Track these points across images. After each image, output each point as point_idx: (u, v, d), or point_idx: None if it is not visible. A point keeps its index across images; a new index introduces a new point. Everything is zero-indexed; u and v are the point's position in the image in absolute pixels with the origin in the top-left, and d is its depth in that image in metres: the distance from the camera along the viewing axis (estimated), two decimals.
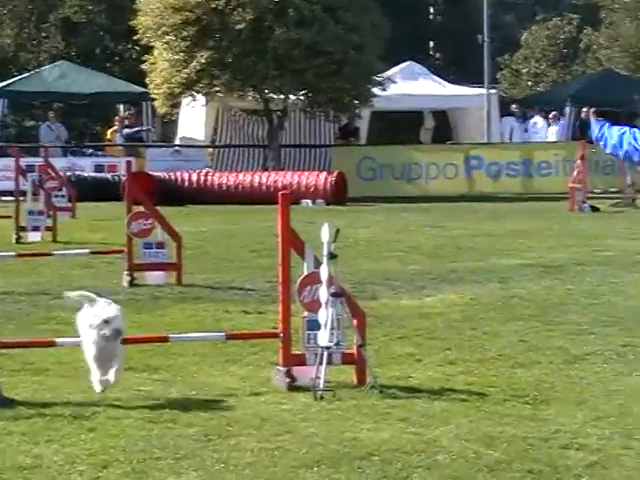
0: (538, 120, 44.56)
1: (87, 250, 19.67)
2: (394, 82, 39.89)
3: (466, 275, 18.72)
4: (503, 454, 8.49)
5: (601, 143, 33.13)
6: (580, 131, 41.55)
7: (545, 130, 44.68)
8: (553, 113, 44.43)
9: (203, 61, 36.86)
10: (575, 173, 31.46)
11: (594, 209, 30.34)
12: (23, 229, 24.52)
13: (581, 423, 9.30)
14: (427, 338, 13.42)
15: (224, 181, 35.63)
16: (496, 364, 11.86)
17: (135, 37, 42.14)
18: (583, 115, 42.26)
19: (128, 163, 20.22)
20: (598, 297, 16.02)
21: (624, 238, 24.03)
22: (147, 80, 40.28)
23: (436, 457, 8.56)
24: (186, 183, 36.17)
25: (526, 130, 46.12)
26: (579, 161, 31.49)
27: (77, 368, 10.97)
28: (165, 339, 12.00)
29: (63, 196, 27.29)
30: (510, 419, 9.58)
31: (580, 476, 8.05)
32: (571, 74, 58.09)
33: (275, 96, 38.09)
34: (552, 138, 44.48)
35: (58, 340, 11.66)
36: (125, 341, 10.38)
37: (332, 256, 10.54)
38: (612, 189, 34.91)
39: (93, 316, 9.36)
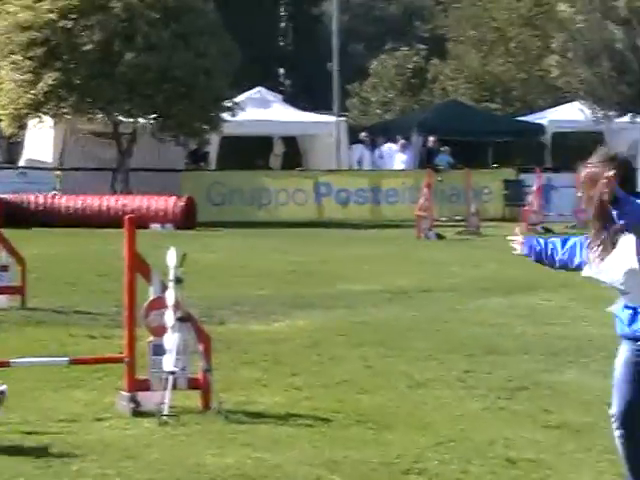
0: (391, 147, 44.69)
1: None
2: (242, 109, 40.64)
3: (314, 301, 18.84)
4: (346, 478, 8.63)
5: None
6: (427, 159, 41.88)
7: (393, 158, 44.86)
8: (401, 141, 44.50)
9: (51, 82, 36.20)
10: (421, 201, 31.81)
11: (440, 237, 31.00)
12: None
13: (423, 448, 9.43)
14: (274, 363, 13.48)
15: (71, 204, 35.20)
16: (341, 389, 11.92)
17: None
18: (430, 144, 42.70)
19: None
20: (442, 323, 16.35)
21: (468, 265, 24.64)
22: None
23: None
24: (32, 205, 35.50)
25: (382, 157, 45.97)
26: (425, 189, 31.83)
27: None
28: (6, 364, 11.60)
29: None
30: (354, 444, 9.63)
31: None
32: (418, 103, 58.86)
33: (124, 119, 37.30)
34: (400, 166, 44.96)
35: None
36: None
37: (178, 281, 10.55)
38: (457, 217, 35.37)
39: None
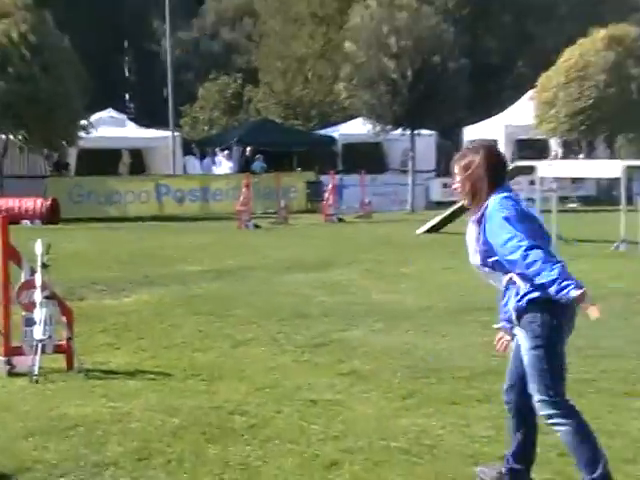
0: (222, 158, 45.27)
1: None
2: (95, 128, 40.05)
3: (156, 279, 18.47)
4: (183, 421, 8.63)
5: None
6: (245, 165, 42.72)
7: (221, 165, 45.58)
8: (226, 152, 44.96)
9: None
10: (241, 198, 31.78)
11: (256, 227, 30.96)
12: None
13: (244, 394, 9.51)
14: (124, 331, 13.25)
15: None
16: (179, 350, 11.88)
17: None
18: (247, 153, 43.98)
19: None
20: (258, 295, 16.24)
21: (278, 248, 24.56)
22: None
23: (130, 425, 8.62)
24: None
25: (215, 164, 48.96)
26: (244, 189, 31.87)
27: None
28: None
29: None
30: (189, 393, 9.66)
31: (242, 435, 8.28)
32: (237, 120, 59.05)
33: None
34: (227, 171, 45.38)
35: None
36: None
37: (45, 266, 10.39)
38: (270, 210, 35.48)
39: None
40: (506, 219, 5.88)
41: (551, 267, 5.64)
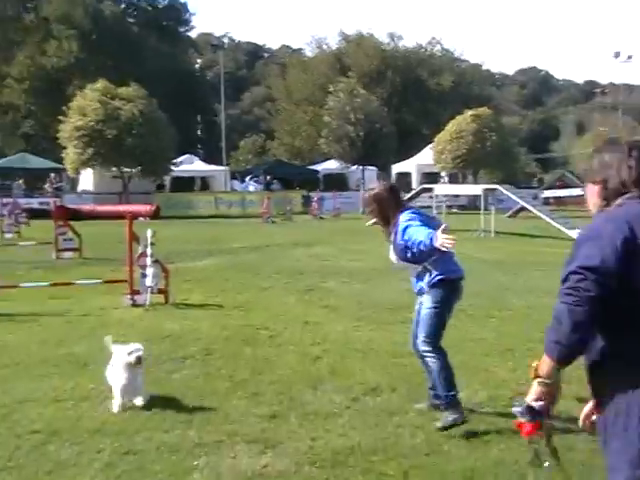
0: (251, 182, 50.71)
1: None
2: (179, 165, 44.37)
3: (215, 252, 19.31)
4: (230, 333, 9.13)
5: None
6: (266, 186, 45.62)
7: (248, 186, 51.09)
8: (254, 179, 50.66)
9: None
10: (264, 205, 32.86)
11: (273, 222, 32.31)
12: None
13: (266, 318, 9.79)
14: (197, 281, 13.71)
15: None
16: (228, 292, 11.95)
17: None
18: (268, 179, 46.70)
19: None
20: (275, 261, 15.47)
21: (286, 235, 24.56)
22: None
23: (200, 335, 9.01)
24: None
25: (248, 185, 51.93)
26: (266, 200, 33.17)
27: None
28: (71, 283, 11.74)
29: None
30: (234, 317, 10.03)
31: (265, 342, 8.68)
32: (262, 160, 65.75)
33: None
34: (253, 189, 49.16)
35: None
36: None
37: (152, 243, 11.03)
38: (281, 212, 35.99)
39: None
40: (409, 226, 5.74)
41: (428, 236, 5.41)
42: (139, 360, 6.13)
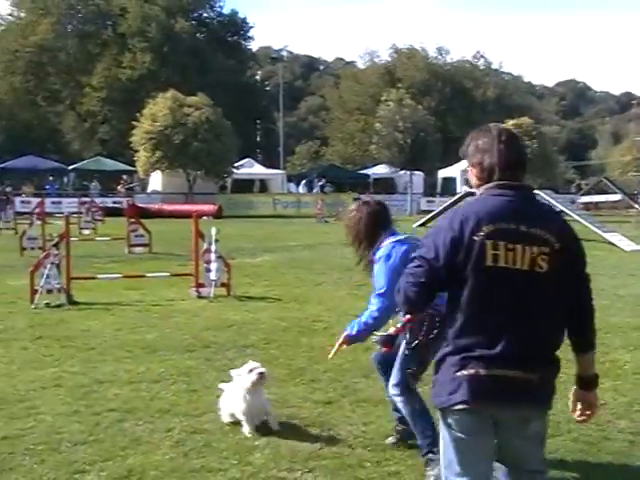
0: (304, 185, 51.06)
1: None
2: (240, 168, 44.80)
3: (273, 249, 19.39)
4: (288, 324, 9.14)
5: None
6: (321, 189, 45.59)
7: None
8: (306, 182, 50.67)
9: None
10: (318, 206, 33.44)
11: (326, 222, 32.58)
12: None
13: (320, 311, 9.80)
14: (256, 276, 13.79)
15: None
16: (285, 286, 11.90)
17: None
18: (322, 182, 45.70)
19: None
20: (327, 258, 15.36)
21: (337, 233, 22.19)
22: None
23: (260, 325, 9.11)
24: None
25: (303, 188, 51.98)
26: (320, 201, 34.31)
27: None
28: (143, 275, 11.97)
29: None
30: (291, 309, 10.04)
31: (320, 332, 8.65)
32: (316, 165, 64.56)
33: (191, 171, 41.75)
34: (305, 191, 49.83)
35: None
36: None
37: (216, 240, 11.12)
38: (333, 213, 35.52)
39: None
40: (384, 265, 4.47)
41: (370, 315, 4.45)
42: (262, 377, 5.28)
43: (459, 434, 2.94)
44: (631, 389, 6.38)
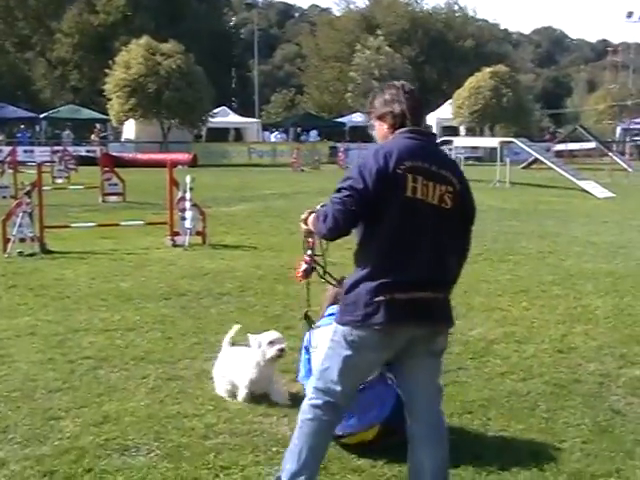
0: (279, 134, 50.12)
1: None
2: (214, 116, 43.98)
3: (248, 197, 19.50)
4: (263, 272, 9.18)
5: None
6: (296, 137, 44.38)
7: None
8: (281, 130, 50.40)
9: None
10: (294, 155, 33.42)
11: (302, 170, 33.39)
12: None
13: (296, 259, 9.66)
14: (232, 224, 13.83)
15: None
16: (260, 235, 11.93)
17: None
18: (298, 131, 45.86)
19: None
20: (302, 208, 15.86)
21: (313, 182, 22.42)
22: None
23: (235, 273, 9.12)
24: None
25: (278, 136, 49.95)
26: (296, 150, 34.38)
27: None
28: (117, 224, 11.87)
29: None
30: (266, 258, 10.13)
31: (294, 280, 8.53)
32: (292, 114, 62.10)
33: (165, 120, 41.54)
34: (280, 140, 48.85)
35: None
36: None
37: (191, 189, 11.11)
38: (309, 162, 35.50)
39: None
40: None
41: None
42: (282, 353, 4.82)
43: (354, 350, 3.27)
44: (602, 333, 6.52)
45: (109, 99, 40.65)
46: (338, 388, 3.34)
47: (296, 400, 4.68)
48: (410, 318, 3.19)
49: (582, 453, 4.06)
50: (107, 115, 42.67)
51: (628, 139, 48.35)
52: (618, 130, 55.49)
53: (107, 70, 40.67)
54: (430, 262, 3.21)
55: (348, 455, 4.02)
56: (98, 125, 45.56)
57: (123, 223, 12.17)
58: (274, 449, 4.06)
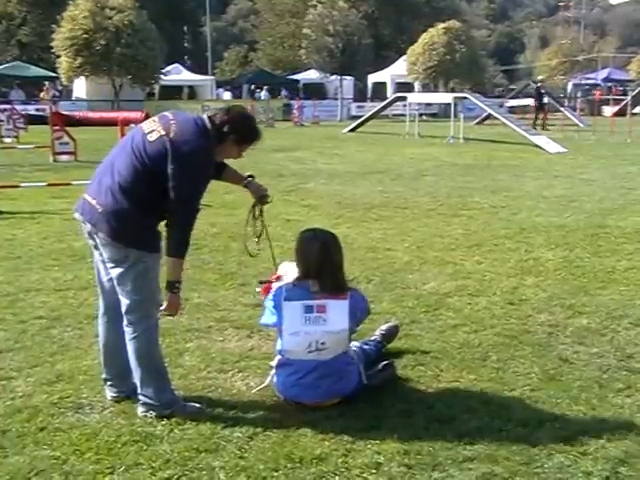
0: (227, 92, 48.43)
1: None
2: (167, 74, 43.32)
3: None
4: (218, 229, 9.18)
5: None
6: (251, 94, 43.59)
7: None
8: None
9: None
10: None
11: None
12: None
13: None
14: None
15: None
16: (215, 193, 11.64)
17: None
18: (252, 88, 45.08)
19: None
20: (260, 164, 15.87)
21: (268, 139, 23.54)
22: None
23: None
24: None
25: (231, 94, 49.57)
26: (250, 107, 31.61)
27: None
28: (68, 184, 11.56)
29: None
30: (221, 215, 10.10)
31: (251, 237, 8.55)
32: (246, 70, 62.02)
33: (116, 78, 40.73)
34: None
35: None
36: None
37: None
38: (263, 119, 34.86)
39: None
40: None
41: None
42: None
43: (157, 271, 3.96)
44: (551, 285, 6.62)
45: (58, 56, 39.56)
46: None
47: (251, 356, 4.75)
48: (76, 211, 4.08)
49: (530, 400, 4.14)
50: (56, 73, 41.57)
51: (579, 94, 49.00)
52: (569, 85, 56.64)
53: (55, 26, 39.60)
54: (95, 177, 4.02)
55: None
56: (47, 83, 43.85)
57: (75, 182, 11.66)
58: (229, 404, 4.06)
